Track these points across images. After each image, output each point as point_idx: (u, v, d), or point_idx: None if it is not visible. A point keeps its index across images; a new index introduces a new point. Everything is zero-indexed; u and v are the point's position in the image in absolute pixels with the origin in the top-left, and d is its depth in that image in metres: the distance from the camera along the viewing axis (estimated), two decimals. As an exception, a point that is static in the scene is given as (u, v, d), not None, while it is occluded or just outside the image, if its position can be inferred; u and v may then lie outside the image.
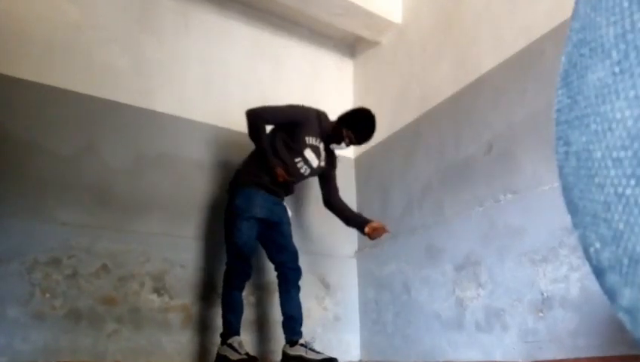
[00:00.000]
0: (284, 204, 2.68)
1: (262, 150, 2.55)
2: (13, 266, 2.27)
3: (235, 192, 2.55)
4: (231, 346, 2.34)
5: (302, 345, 2.40)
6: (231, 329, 2.41)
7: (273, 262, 2.61)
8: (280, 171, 2.49)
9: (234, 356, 2.31)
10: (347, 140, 2.65)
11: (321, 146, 2.69)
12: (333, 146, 2.71)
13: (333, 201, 2.79)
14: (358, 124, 2.64)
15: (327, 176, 2.80)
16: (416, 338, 2.75)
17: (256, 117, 2.56)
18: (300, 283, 2.58)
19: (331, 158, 2.80)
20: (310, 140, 2.64)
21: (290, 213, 2.69)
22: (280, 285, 2.56)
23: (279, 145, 2.61)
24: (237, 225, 2.48)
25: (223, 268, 2.56)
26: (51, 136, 2.53)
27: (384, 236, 2.67)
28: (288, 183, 2.60)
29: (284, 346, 2.47)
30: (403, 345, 2.85)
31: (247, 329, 2.71)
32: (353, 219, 2.75)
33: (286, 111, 2.62)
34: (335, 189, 2.81)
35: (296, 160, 2.62)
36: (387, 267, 3.08)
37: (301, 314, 2.51)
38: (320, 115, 2.69)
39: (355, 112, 2.70)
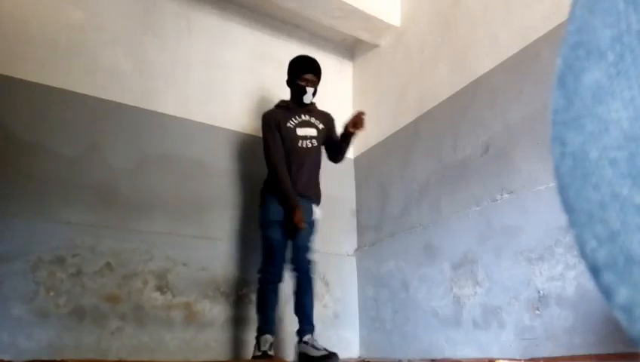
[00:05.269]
0: (312, 205, 2.64)
1: (281, 188, 2.56)
2: (18, 265, 2.30)
3: (261, 201, 2.66)
4: (258, 343, 2.46)
5: (305, 342, 2.45)
6: (262, 326, 2.50)
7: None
8: (297, 215, 2.48)
9: (255, 352, 2.46)
10: (303, 84, 2.69)
11: (305, 116, 2.73)
12: (307, 99, 2.70)
13: (333, 155, 2.87)
14: (293, 65, 2.73)
15: (329, 137, 2.83)
16: (415, 335, 2.79)
17: (272, 162, 2.61)
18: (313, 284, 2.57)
19: (324, 117, 2.83)
20: (291, 123, 2.68)
21: (317, 213, 2.65)
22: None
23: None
24: (264, 233, 2.58)
25: (225, 266, 2.57)
26: (55, 136, 2.56)
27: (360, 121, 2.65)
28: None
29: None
30: (401, 342, 2.88)
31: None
32: (341, 139, 2.77)
33: (270, 138, 2.64)
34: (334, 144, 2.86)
35: (299, 144, 2.66)
36: (386, 265, 3.11)
37: (306, 313, 2.52)
38: (278, 105, 2.77)
39: (288, 67, 2.77)
